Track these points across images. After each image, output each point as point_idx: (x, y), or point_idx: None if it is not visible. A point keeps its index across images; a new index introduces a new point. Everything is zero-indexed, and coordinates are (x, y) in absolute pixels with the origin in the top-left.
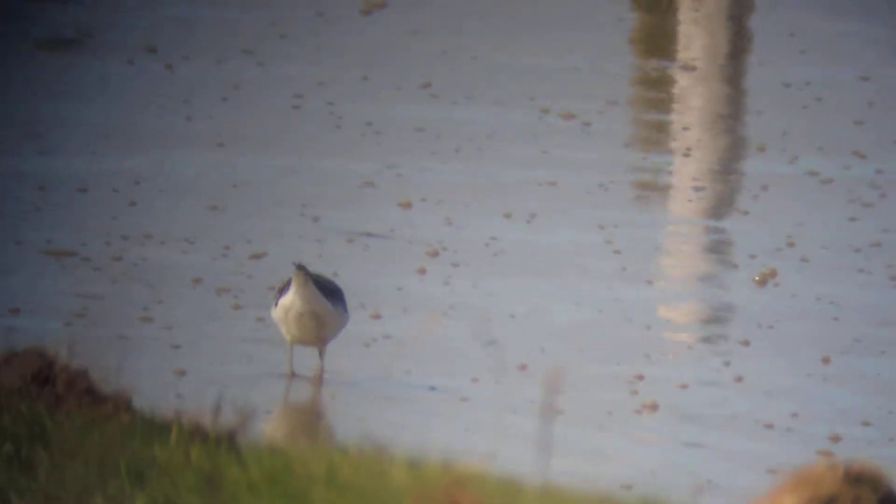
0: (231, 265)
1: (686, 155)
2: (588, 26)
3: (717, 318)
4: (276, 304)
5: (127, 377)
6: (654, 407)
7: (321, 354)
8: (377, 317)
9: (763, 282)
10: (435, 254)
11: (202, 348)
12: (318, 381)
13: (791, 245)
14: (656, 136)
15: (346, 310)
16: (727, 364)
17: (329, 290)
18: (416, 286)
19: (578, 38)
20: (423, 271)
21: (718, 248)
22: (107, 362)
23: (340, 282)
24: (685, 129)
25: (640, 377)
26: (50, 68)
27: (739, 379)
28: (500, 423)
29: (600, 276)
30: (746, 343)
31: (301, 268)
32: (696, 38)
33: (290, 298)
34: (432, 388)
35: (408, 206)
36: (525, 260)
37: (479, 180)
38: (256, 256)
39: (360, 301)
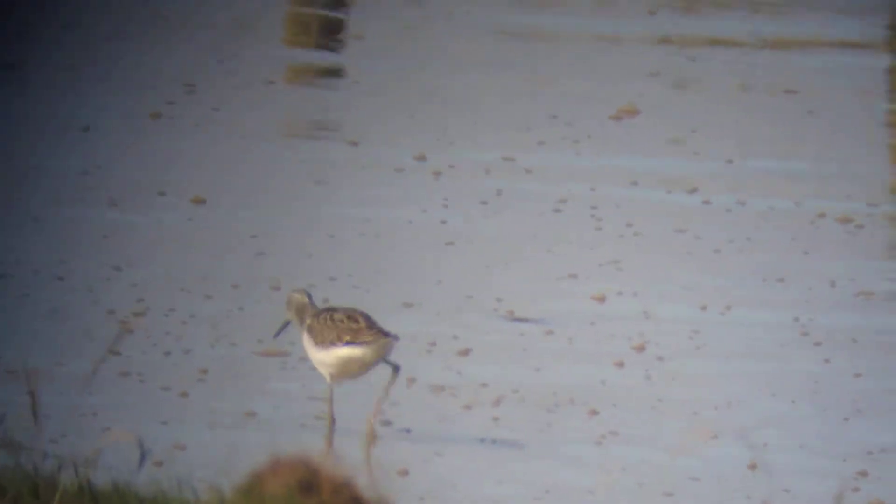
0: (439, 362)
1: None
2: (841, 128)
3: None
4: (322, 349)
5: (384, 482)
6: None
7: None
8: (594, 413)
9: None
10: (641, 348)
11: (446, 451)
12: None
13: None
14: None
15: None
16: None
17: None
18: (619, 380)
19: (834, 140)
20: (621, 364)
21: None
22: (361, 468)
23: (543, 376)
24: None
25: (864, 473)
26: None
27: None
28: None
29: (804, 367)
30: None
31: (384, 332)
32: None
33: (360, 352)
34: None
35: (601, 299)
36: (725, 350)
37: (683, 276)
38: (463, 353)
39: (570, 396)
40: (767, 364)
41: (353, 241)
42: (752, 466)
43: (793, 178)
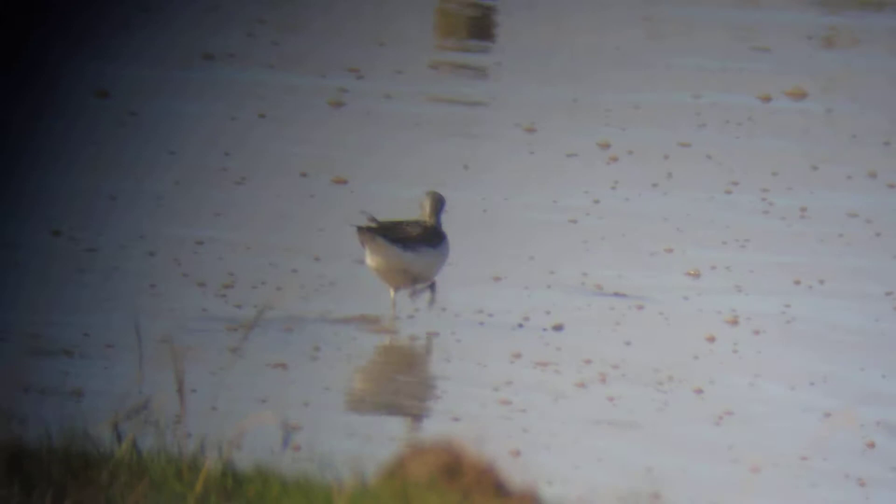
0: (535, 337)
1: None
2: None
3: None
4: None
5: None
6: None
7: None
8: (700, 391)
9: None
10: (735, 322)
11: (555, 430)
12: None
13: None
14: None
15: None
16: None
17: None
18: (709, 355)
19: None
20: (712, 339)
21: None
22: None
23: (637, 350)
24: None
25: None
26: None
27: None
28: None
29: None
30: None
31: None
32: None
33: (369, 259)
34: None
35: (696, 275)
36: (819, 328)
37: (801, 256)
38: (557, 327)
39: (669, 373)
40: (859, 339)
41: (466, 221)
42: (871, 444)
43: None
